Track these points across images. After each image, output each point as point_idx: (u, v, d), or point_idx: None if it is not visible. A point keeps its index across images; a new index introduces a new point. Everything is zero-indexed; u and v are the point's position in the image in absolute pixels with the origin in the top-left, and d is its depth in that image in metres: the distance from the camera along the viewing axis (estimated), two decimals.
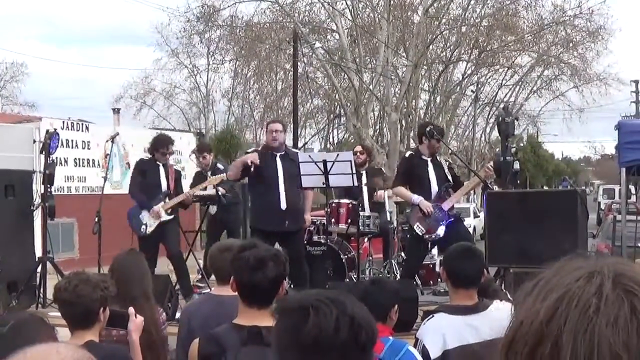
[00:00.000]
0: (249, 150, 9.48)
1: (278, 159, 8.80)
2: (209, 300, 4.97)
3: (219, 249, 4.71)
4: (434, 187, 8.86)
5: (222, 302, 4.55)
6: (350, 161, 8.41)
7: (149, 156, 9.83)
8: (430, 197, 8.82)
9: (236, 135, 35.27)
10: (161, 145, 9.82)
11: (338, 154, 8.75)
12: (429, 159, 8.92)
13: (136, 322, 4.17)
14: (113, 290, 3.98)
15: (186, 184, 11.13)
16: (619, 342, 1.02)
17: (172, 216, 9.64)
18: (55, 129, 9.39)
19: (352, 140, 34.92)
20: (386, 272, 10.07)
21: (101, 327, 3.93)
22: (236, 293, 3.80)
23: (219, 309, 4.44)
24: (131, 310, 4.17)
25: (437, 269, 10.27)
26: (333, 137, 44.07)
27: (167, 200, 9.63)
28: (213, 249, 4.93)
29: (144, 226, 9.45)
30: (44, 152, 8.68)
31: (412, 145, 35.70)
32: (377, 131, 36.12)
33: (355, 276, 9.36)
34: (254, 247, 3.77)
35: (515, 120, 7.98)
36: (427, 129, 8.99)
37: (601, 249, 14.36)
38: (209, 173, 10.85)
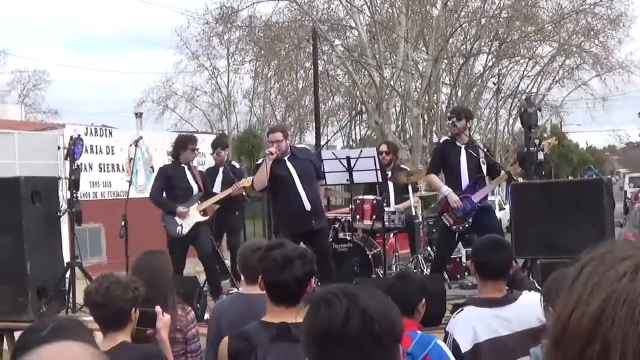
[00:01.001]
0: (259, 162, 9.34)
1: (287, 162, 8.77)
2: (238, 299, 5.01)
3: (250, 249, 4.75)
4: (464, 177, 8.76)
5: (251, 301, 4.58)
6: (374, 157, 8.41)
7: (172, 160, 9.82)
8: (460, 187, 8.78)
9: (258, 135, 35.35)
10: (190, 141, 9.82)
11: (361, 150, 8.75)
12: (462, 146, 8.80)
13: (164, 320, 4.21)
14: (143, 291, 4.01)
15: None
16: None
17: (207, 217, 9.64)
18: (79, 135, 9.39)
19: (375, 137, 34.89)
20: (413, 267, 10.04)
21: (132, 327, 3.96)
22: (264, 292, 3.83)
23: (248, 308, 4.48)
24: (158, 309, 4.21)
25: (464, 261, 10.24)
26: (355, 134, 44.05)
27: (199, 202, 9.63)
28: (243, 248, 4.97)
29: (179, 227, 9.42)
30: (68, 158, 8.73)
31: (435, 139, 35.67)
32: (400, 127, 36.05)
33: (381, 272, 9.36)
34: (281, 246, 3.81)
35: (538, 111, 7.92)
36: (465, 112, 8.95)
37: (628, 237, 14.26)
38: (222, 169, 10.73)
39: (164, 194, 9.57)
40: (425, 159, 30.92)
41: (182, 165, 9.62)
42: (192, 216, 9.48)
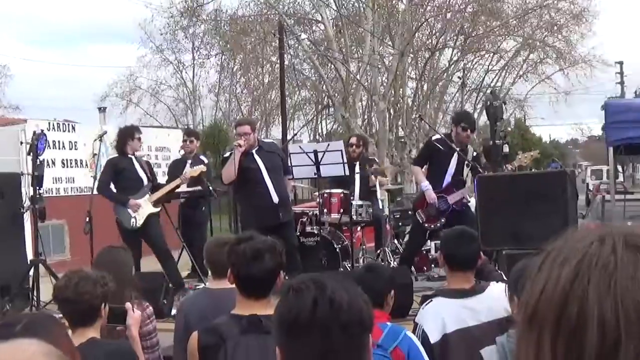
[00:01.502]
0: (226, 155, 9.29)
1: (255, 155, 8.75)
2: (205, 294, 5.01)
3: (216, 244, 4.76)
4: (447, 180, 8.87)
5: (217, 296, 4.59)
6: (341, 150, 8.41)
7: (118, 153, 9.74)
8: (440, 187, 8.84)
9: (224, 130, 35.21)
10: (136, 130, 9.85)
11: (329, 144, 8.75)
12: (457, 149, 8.87)
13: (134, 316, 4.18)
14: (113, 286, 3.98)
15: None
16: None
17: (159, 208, 9.59)
18: (42, 130, 9.33)
19: (341, 131, 34.92)
20: (380, 260, 10.07)
21: (102, 323, 3.93)
22: (233, 286, 3.82)
23: (216, 303, 4.48)
24: (128, 305, 4.18)
25: (431, 254, 10.30)
26: (322, 128, 44.08)
27: (150, 193, 9.59)
28: (209, 243, 4.97)
29: (133, 220, 9.41)
30: (31, 154, 8.63)
31: (401, 133, 35.78)
32: (366, 121, 36.09)
33: (349, 265, 9.38)
34: (250, 239, 3.80)
35: (503, 104, 7.99)
36: (456, 115, 9.04)
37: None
38: (189, 162, 10.62)
39: (114, 188, 9.54)
40: (391, 152, 31.02)
41: (130, 156, 9.60)
42: (144, 208, 9.46)
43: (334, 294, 2.04)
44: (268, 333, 3.63)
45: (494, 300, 4.41)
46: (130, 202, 9.37)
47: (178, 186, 9.95)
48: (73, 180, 18.91)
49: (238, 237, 3.98)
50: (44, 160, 9.15)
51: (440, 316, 4.36)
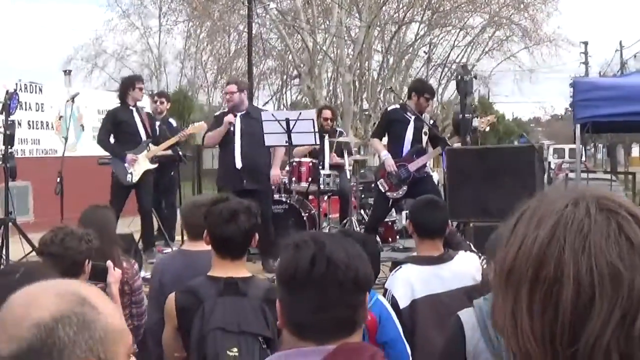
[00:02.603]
0: (217, 114, 9.46)
1: (238, 119, 8.85)
2: (180, 255, 5.04)
3: (193, 205, 4.79)
4: (407, 148, 8.99)
5: (193, 257, 4.64)
6: (313, 120, 8.49)
7: (119, 103, 9.73)
8: (400, 155, 8.97)
9: (190, 97, 35.03)
10: (138, 80, 9.85)
11: (301, 113, 8.80)
12: (412, 118, 8.99)
13: (114, 274, 4.24)
14: (96, 243, 4.04)
15: None
16: (614, 254, 1.16)
17: (156, 164, 9.61)
18: (15, 89, 9.29)
19: (306, 102, 34.92)
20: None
21: (84, 279, 3.98)
22: (208, 248, 3.91)
23: (191, 264, 4.53)
24: (109, 263, 4.24)
25: (397, 226, 10.46)
26: (286, 99, 44.00)
27: (149, 148, 9.58)
28: (186, 205, 5.03)
29: (129, 175, 9.41)
30: (4, 113, 8.60)
31: (365, 106, 35.84)
32: (331, 92, 36.09)
33: None
34: (226, 200, 3.88)
35: (474, 79, 8.13)
36: (419, 85, 9.13)
37: None
38: (158, 124, 10.55)
39: (112, 140, 9.53)
40: (355, 125, 31.09)
41: (131, 108, 9.57)
42: (141, 164, 9.47)
43: (332, 252, 2.12)
44: (244, 296, 3.74)
45: (463, 268, 4.54)
46: (128, 157, 9.39)
47: (178, 143, 10.01)
48: (39, 142, 18.72)
49: (214, 198, 4.05)
50: (14, 119, 9.11)
51: (409, 282, 4.47)
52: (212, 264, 3.89)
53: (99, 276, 4.20)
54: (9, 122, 8.51)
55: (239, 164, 8.81)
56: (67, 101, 9.41)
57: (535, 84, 44.86)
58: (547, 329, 1.18)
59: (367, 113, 35.12)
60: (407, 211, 7.39)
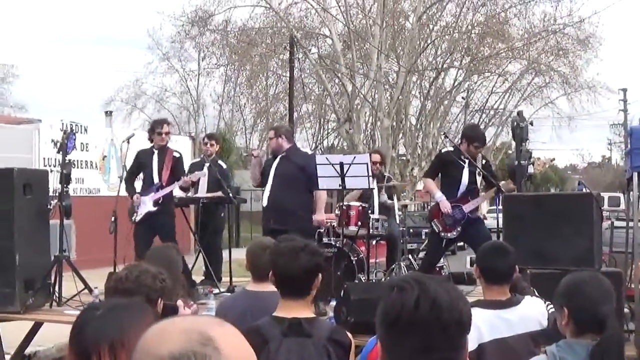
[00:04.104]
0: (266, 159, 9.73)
1: (276, 160, 9.07)
2: (245, 295, 5.07)
3: (259, 247, 4.85)
4: (462, 190, 9.01)
5: (257, 297, 4.68)
6: (367, 163, 8.51)
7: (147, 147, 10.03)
8: (454, 197, 8.98)
9: (228, 139, 35.33)
10: (157, 124, 10.03)
11: (355, 157, 8.85)
12: (466, 162, 9.03)
13: (185, 314, 4.26)
14: (170, 283, 4.07)
15: None
16: None
17: (155, 208, 9.69)
18: (72, 129, 9.48)
19: (344, 146, 35.05)
20: (394, 274, 10.18)
21: (157, 318, 4.00)
22: (273, 288, 3.95)
23: (255, 304, 4.57)
24: (180, 302, 4.27)
25: (446, 271, 10.43)
26: (324, 143, 44.21)
27: (155, 191, 9.75)
28: (252, 246, 5.06)
29: (135, 214, 9.64)
30: (61, 152, 8.74)
31: (402, 150, 35.91)
32: (369, 136, 36.22)
33: (364, 278, 9.47)
34: (291, 239, 3.94)
35: (530, 125, 8.14)
36: (470, 133, 9.20)
37: None
38: (207, 166, 10.65)
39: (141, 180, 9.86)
40: (392, 170, 31.11)
41: (154, 150, 9.80)
42: (145, 205, 9.66)
43: (436, 294, 2.11)
44: (309, 336, 3.76)
45: (529, 313, 4.54)
46: (133, 197, 9.75)
47: (186, 189, 10.28)
48: (82, 181, 19.00)
49: (280, 239, 4.10)
50: (56, 160, 9.27)
51: (476, 326, 4.45)
52: (278, 305, 3.92)
53: (169, 315, 4.21)
54: (65, 162, 8.64)
55: (264, 203, 9.06)
56: (123, 142, 9.54)
57: (574, 130, 44.56)
58: None
59: (404, 158, 35.16)
60: (471, 256, 7.37)
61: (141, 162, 9.85)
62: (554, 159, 10.06)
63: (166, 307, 4.12)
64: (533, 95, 40.94)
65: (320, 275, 3.93)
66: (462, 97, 39.71)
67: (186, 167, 10.44)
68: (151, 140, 9.93)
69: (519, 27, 35.64)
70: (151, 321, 2.71)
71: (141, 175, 9.93)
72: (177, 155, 10.07)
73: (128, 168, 10.01)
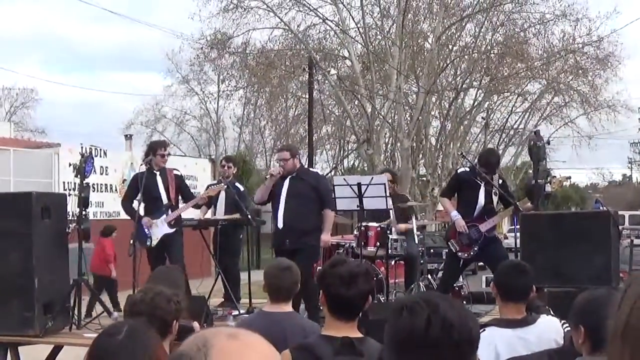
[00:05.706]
0: (268, 176, 9.61)
1: (287, 181, 9.01)
2: (261, 316, 5.05)
3: (278, 268, 4.83)
4: (478, 210, 8.98)
5: (275, 319, 4.66)
6: (385, 184, 8.51)
7: (146, 168, 9.73)
8: (471, 217, 8.96)
9: (248, 161, 35.45)
10: (158, 146, 9.94)
11: (372, 177, 8.85)
12: (483, 183, 9.01)
13: None
14: (184, 305, 4.08)
15: None
16: None
17: (173, 229, 9.65)
18: (90, 153, 9.51)
19: (363, 167, 35.07)
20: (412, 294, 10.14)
21: (171, 340, 4.01)
22: (290, 309, 3.94)
23: (272, 326, 4.55)
24: (196, 324, 4.27)
25: (465, 291, 10.36)
26: (344, 164, 44.25)
27: (169, 212, 9.67)
28: (270, 268, 5.03)
29: (149, 239, 9.52)
30: (79, 176, 8.77)
31: (422, 171, 35.87)
32: (389, 157, 36.23)
33: (383, 298, 9.44)
34: (344, 262, 3.94)
35: (547, 144, 8.12)
36: (483, 158, 9.18)
37: None
38: (225, 186, 10.41)
39: (141, 203, 9.61)
40: (413, 191, 31.08)
41: (155, 172, 9.68)
42: (159, 227, 9.56)
43: (446, 313, 2.11)
44: (361, 356, 3.76)
45: (545, 331, 4.52)
46: (144, 220, 9.51)
47: (200, 205, 10.21)
48: (102, 205, 19.14)
49: (332, 261, 4.09)
50: (75, 184, 9.27)
51: (493, 344, 4.45)
52: (325, 324, 3.94)
53: (185, 337, 4.21)
54: (83, 185, 8.66)
55: (280, 224, 8.97)
56: (141, 164, 9.56)
57: (594, 149, 44.35)
58: None
59: (424, 178, 35.12)
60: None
61: (145, 185, 9.69)
62: (569, 177, 10.01)
63: (181, 328, 4.14)
64: (553, 115, 40.90)
65: (371, 298, 3.95)
66: (482, 117, 39.67)
67: (203, 189, 10.41)
68: (149, 163, 9.77)
69: (538, 47, 35.69)
70: (159, 344, 2.73)
71: (139, 197, 9.71)
72: (178, 173, 10.05)
73: (124, 193, 9.90)
